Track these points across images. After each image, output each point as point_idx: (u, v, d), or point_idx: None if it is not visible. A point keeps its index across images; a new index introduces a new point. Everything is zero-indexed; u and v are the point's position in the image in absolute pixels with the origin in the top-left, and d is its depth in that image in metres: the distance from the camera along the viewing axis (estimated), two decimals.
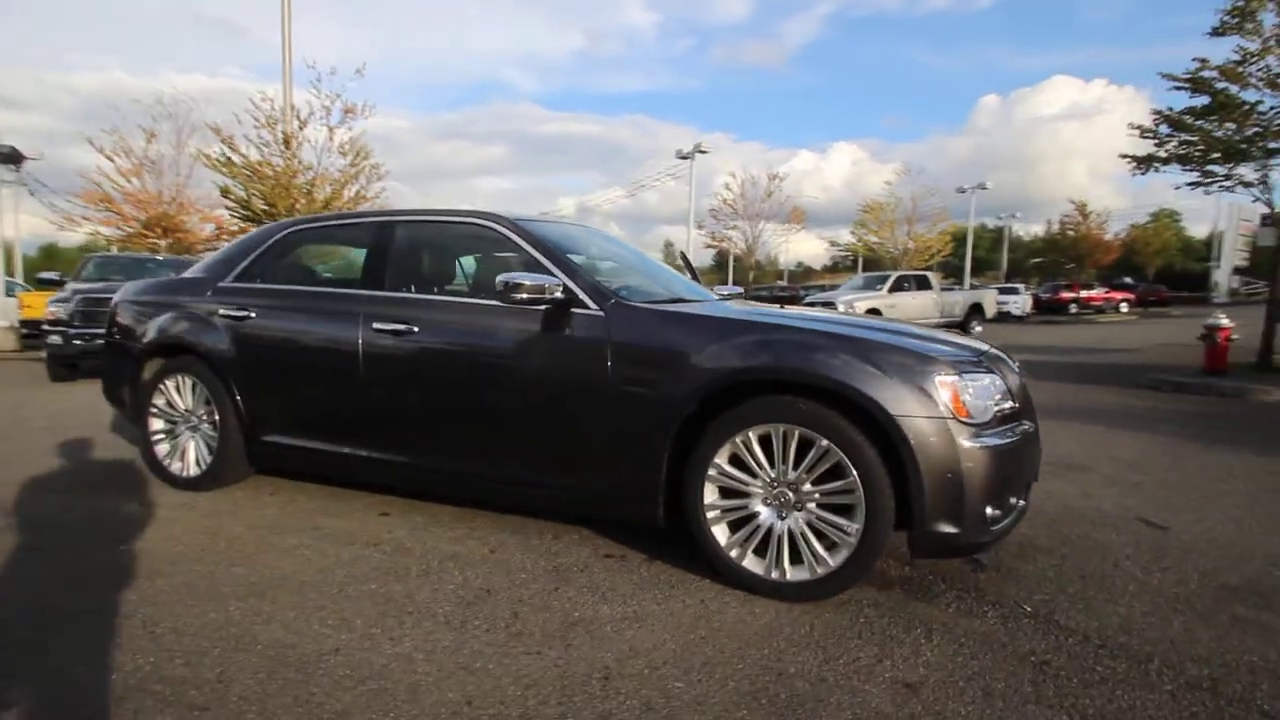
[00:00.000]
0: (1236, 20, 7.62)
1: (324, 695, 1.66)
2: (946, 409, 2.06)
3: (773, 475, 2.23)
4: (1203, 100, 8.15)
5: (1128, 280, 35.47)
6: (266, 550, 2.60)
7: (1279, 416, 5.96)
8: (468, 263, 3.31)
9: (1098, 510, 3.23)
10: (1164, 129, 8.64)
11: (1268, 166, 7.68)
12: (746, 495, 2.27)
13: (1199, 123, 8.19)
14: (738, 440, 2.25)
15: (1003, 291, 21.80)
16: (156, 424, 3.45)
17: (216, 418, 3.24)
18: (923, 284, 16.16)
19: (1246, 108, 7.49)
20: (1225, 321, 7.27)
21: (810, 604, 2.19)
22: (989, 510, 2.11)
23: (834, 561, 2.15)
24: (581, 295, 2.53)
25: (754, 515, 2.27)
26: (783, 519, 2.24)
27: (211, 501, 3.20)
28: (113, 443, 4.44)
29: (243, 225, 13.16)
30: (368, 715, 1.59)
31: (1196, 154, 8.26)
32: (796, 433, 2.17)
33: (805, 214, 22.20)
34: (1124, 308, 28.20)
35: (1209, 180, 8.53)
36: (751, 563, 2.26)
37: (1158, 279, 37.78)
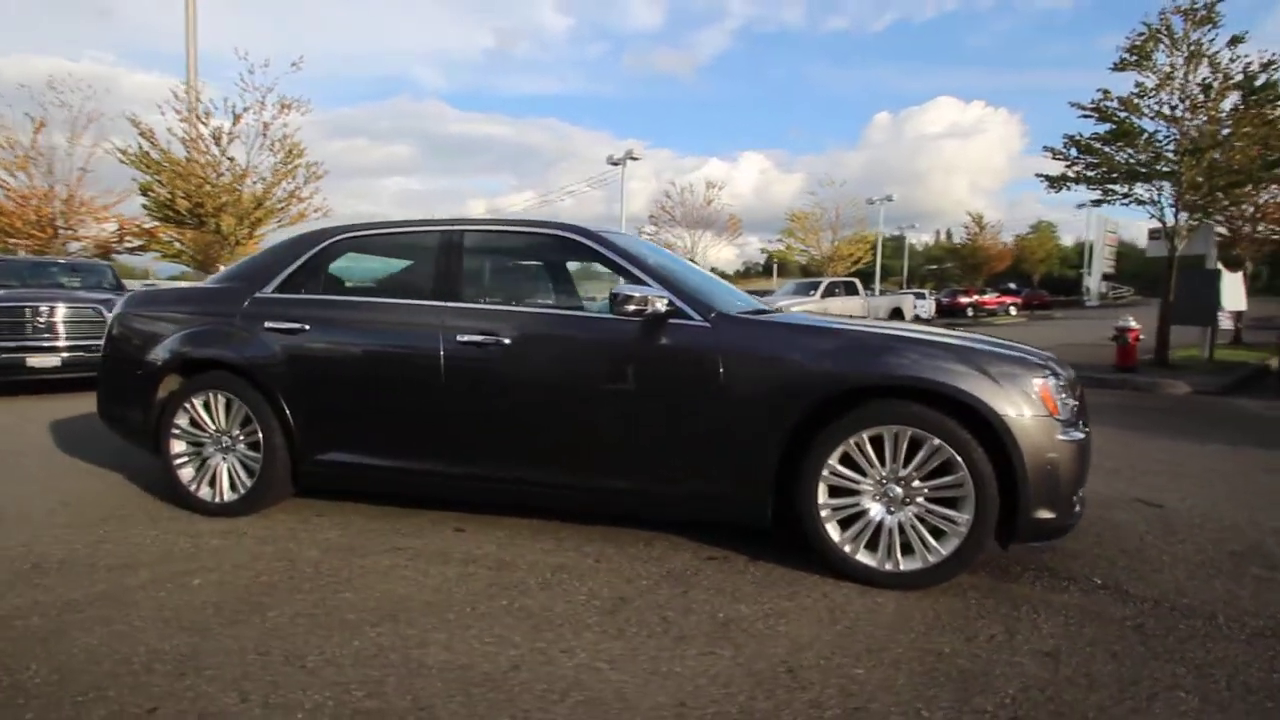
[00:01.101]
0: (1135, 58, 8.70)
1: (539, 712, 1.66)
2: (1042, 408, 2.31)
3: (884, 473, 2.41)
4: (1106, 127, 9.23)
5: (1012, 286, 39.17)
6: (361, 574, 2.50)
7: (1191, 406, 6.88)
8: (546, 274, 3.28)
9: (1099, 494, 3.65)
10: (1073, 152, 9.69)
11: (1161, 188, 8.81)
12: (856, 493, 2.44)
13: (1104, 148, 9.25)
14: (851, 442, 2.41)
15: (915, 297, 23.59)
16: (179, 446, 3.18)
17: (259, 437, 3.04)
18: (851, 289, 17.19)
19: (1145, 136, 8.56)
20: (1134, 324, 8.29)
21: (920, 592, 2.38)
22: (1073, 496, 2.38)
23: (945, 550, 2.35)
24: (684, 307, 2.62)
25: (864, 512, 2.44)
26: (892, 513, 2.42)
27: (257, 527, 3.00)
28: (74, 466, 4.01)
29: (158, 225, 12.10)
30: None
31: (1101, 175, 9.33)
32: (909, 433, 2.36)
33: (741, 222, 23.15)
34: (1013, 311, 31.17)
35: (1109, 198, 9.65)
36: (864, 556, 2.42)
37: (1041, 285, 42.02)
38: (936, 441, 2.32)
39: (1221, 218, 11.48)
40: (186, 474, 3.18)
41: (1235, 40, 8.04)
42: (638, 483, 2.65)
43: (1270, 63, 7.79)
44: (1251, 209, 11.87)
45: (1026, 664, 1.93)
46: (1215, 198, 8.55)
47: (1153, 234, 10.62)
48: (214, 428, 3.14)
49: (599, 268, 2.95)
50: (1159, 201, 8.89)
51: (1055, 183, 9.77)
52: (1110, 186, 9.48)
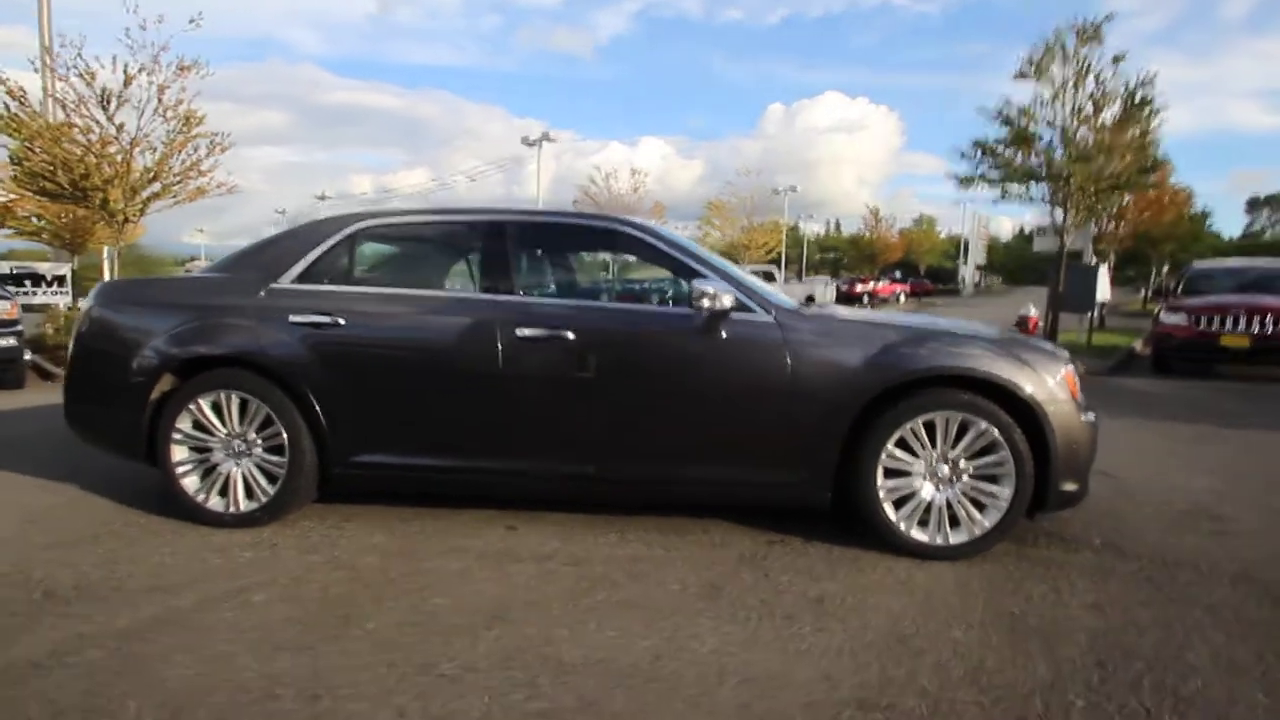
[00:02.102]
0: (1035, 70, 9.67)
1: (706, 697, 1.73)
2: (1068, 393, 2.63)
3: (935, 455, 2.64)
4: (1002, 133, 10.22)
5: (898, 275, 42.39)
6: (438, 578, 2.42)
7: (1088, 386, 7.82)
8: (597, 267, 3.26)
9: None
10: (978, 154, 10.64)
11: (1054, 189, 9.89)
12: (909, 474, 2.66)
13: (1006, 151, 10.23)
14: (907, 427, 2.62)
15: (823, 285, 25.00)
16: (181, 453, 2.90)
17: (283, 439, 2.83)
18: (769, 277, 17.94)
19: (1047, 141, 9.59)
20: (1034, 312, 9.31)
21: (966, 561, 2.64)
22: (1089, 471, 2.73)
23: (989, 523, 2.62)
24: (748, 301, 2.72)
25: (916, 491, 2.66)
26: (940, 491, 2.66)
27: (285, 537, 2.80)
28: (6, 480, 3.53)
29: (18, 198, 10.55)
30: (766, 703, 1.70)
31: (1003, 175, 10.33)
32: (959, 418, 2.60)
33: (666, 209, 23.29)
34: (902, 298, 33.84)
35: (1008, 196, 10.70)
36: (917, 532, 2.65)
37: (925, 274, 45.83)
38: (984, 425, 2.58)
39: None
40: (191, 483, 2.91)
41: (1116, 59, 9.18)
42: (708, 473, 2.74)
43: (1146, 81, 8.98)
44: (1114, 210, 13.60)
45: (1082, 617, 2.22)
46: (1098, 199, 9.74)
47: (1039, 230, 11.90)
48: (225, 431, 2.89)
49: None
50: (1052, 201, 10.00)
51: (965, 181, 10.71)
52: (1010, 186, 10.52)
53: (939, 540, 2.64)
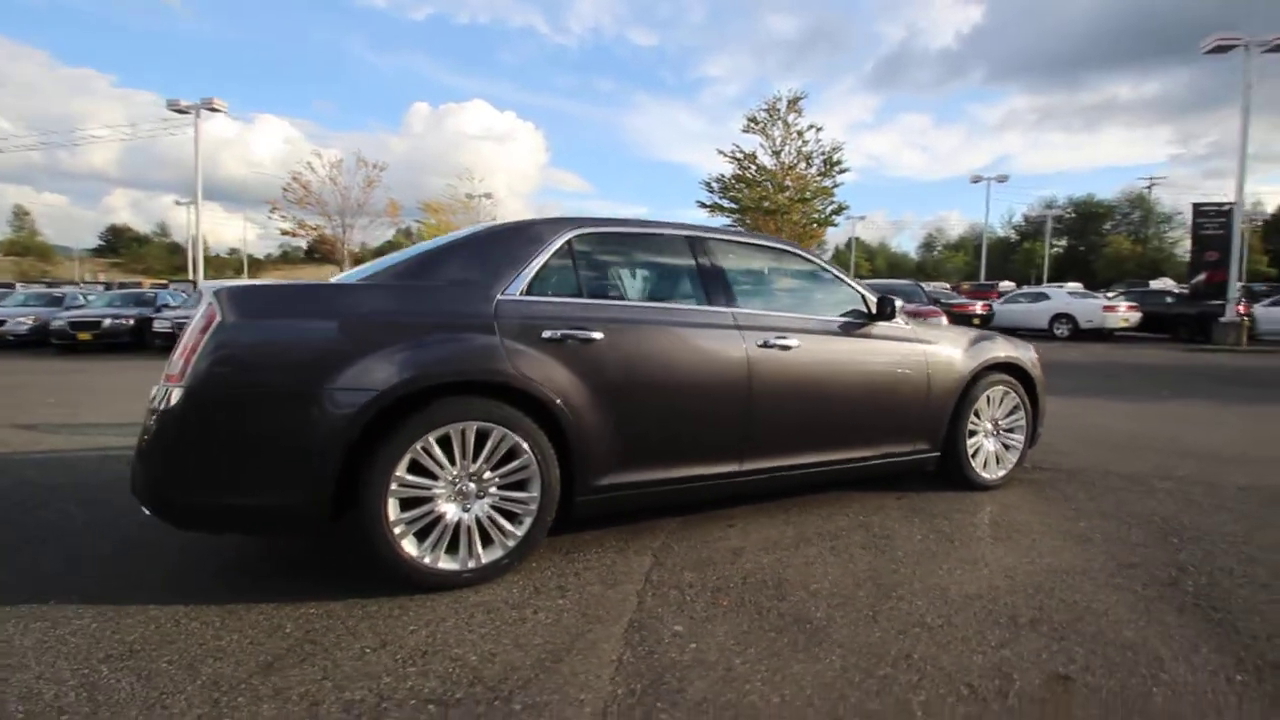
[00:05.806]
0: (759, 126, 12.35)
1: (1087, 582, 2.46)
2: (1039, 369, 4.10)
3: (990, 417, 3.81)
4: (735, 170, 12.77)
5: None
6: (775, 573, 2.55)
7: None
8: (780, 282, 3.46)
9: None
10: (716, 186, 13.02)
11: (779, 221, 12.78)
12: (977, 434, 3.78)
13: (739, 187, 12.78)
14: (985, 396, 3.73)
15: None
16: (395, 508, 2.29)
17: (530, 472, 2.48)
18: None
19: (774, 183, 12.31)
20: None
21: (1005, 488, 3.87)
22: None
23: (1013, 459, 3.91)
24: (895, 314, 3.48)
25: (982, 446, 3.80)
26: (989, 443, 3.85)
27: (551, 578, 2.48)
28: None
29: None
30: (1118, 579, 2.52)
31: (740, 207, 12.88)
32: (1002, 390, 3.82)
33: (400, 207, 20.62)
34: None
35: (743, 224, 13.32)
36: (984, 473, 3.78)
37: None
38: (1013, 393, 3.86)
39: None
40: (411, 547, 2.31)
41: (815, 127, 12.48)
42: (878, 451, 3.38)
43: (838, 146, 12.45)
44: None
45: (1105, 507, 3.60)
46: (807, 231, 13.00)
47: None
48: (455, 471, 2.38)
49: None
50: (778, 232, 12.91)
51: (711, 209, 12.97)
52: (743, 218, 13.15)
53: (994, 476, 3.83)
